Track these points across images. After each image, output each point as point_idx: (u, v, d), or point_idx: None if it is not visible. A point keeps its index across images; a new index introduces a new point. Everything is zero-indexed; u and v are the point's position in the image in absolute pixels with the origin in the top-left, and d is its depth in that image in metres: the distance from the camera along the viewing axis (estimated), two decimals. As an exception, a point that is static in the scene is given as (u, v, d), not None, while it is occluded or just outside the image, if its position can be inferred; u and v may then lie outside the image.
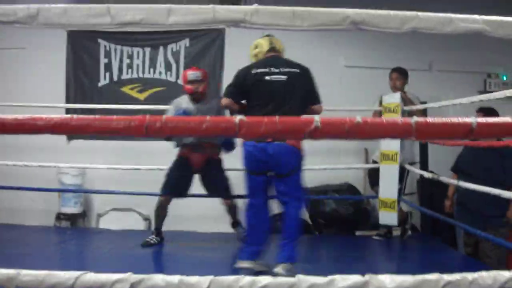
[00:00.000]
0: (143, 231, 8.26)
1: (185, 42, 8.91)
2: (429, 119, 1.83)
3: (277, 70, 5.25)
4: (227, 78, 8.69)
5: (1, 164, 7.95)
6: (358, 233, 8.23)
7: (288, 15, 1.73)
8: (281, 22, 1.74)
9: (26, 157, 7.97)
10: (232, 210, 6.90)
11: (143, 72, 9.03)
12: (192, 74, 6.63)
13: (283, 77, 5.21)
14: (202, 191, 6.94)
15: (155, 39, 8.95)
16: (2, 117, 1.85)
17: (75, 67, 9.05)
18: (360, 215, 8.41)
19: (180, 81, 8.82)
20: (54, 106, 7.97)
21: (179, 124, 1.76)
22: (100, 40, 9.05)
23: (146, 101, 8.81)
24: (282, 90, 5.18)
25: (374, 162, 7.87)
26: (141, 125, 1.77)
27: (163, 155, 8.40)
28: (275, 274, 4.66)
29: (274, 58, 5.41)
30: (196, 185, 6.88)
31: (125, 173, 8.19)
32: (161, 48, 8.99)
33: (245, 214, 5.37)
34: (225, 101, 5.35)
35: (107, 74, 9.08)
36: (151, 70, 9.02)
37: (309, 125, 1.74)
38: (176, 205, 6.88)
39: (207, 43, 8.87)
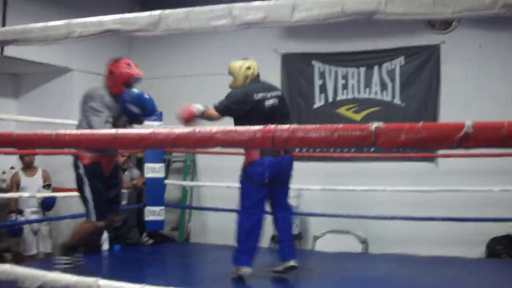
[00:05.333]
0: (359, 254, 8.05)
1: (400, 60, 8.61)
2: None
3: (269, 95, 5.69)
4: (444, 94, 8.38)
5: (217, 186, 8.17)
6: None
7: (428, 2, 1.48)
8: (420, 10, 1.49)
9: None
10: (109, 227, 6.10)
11: (358, 92, 8.86)
12: (138, 77, 5.63)
13: (276, 101, 5.70)
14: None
15: (369, 58, 8.77)
16: (128, 131, 1.77)
17: (289, 90, 9.09)
18: None
19: (396, 101, 8.59)
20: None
21: (308, 134, 1.57)
22: (314, 62, 9.03)
23: (362, 122, 8.62)
24: (275, 113, 5.64)
25: None
26: (266, 136, 1.61)
27: (377, 175, 8.24)
28: (290, 268, 5.80)
29: (264, 82, 5.84)
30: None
31: (341, 195, 8.06)
32: (376, 67, 8.76)
33: (246, 224, 5.62)
34: (215, 114, 5.61)
35: (322, 96, 9.03)
36: (367, 90, 8.83)
37: (458, 131, 1.48)
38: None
39: (422, 60, 8.50)
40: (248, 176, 5.59)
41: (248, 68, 5.76)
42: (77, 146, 2.07)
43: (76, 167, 5.43)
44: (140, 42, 9.80)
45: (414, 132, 1.51)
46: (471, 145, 1.50)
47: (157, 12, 1.77)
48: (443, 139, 1.51)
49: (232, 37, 8.94)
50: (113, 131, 1.82)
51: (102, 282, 1.88)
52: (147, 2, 9.62)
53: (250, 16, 1.65)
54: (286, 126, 1.62)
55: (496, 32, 8.07)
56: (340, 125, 1.57)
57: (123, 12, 2.41)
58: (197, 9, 1.72)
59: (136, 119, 5.32)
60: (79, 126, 5.31)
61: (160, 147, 1.88)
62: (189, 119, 5.57)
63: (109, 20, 1.92)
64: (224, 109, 5.66)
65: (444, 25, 8.36)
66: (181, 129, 1.73)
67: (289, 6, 1.60)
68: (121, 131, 1.81)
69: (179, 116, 5.60)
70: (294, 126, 1.62)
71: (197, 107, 5.59)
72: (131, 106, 5.19)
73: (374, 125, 1.54)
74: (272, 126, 1.63)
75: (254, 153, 5.54)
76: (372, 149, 7.61)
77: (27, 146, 2.58)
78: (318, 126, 1.59)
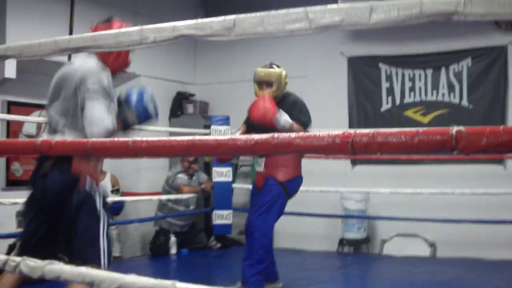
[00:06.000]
0: (427, 258, 7.95)
1: (467, 61, 8.45)
2: None
3: None
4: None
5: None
6: None
7: (508, 1, 1.44)
8: (501, 10, 1.45)
9: (310, 183, 8.07)
10: None
11: (426, 95, 8.73)
12: None
13: None
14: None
15: (436, 60, 8.63)
16: (205, 138, 1.77)
17: (356, 93, 9.04)
18: None
19: (464, 103, 8.45)
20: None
21: (388, 139, 1.54)
22: (380, 65, 8.94)
23: (429, 124, 8.50)
24: None
25: None
26: (346, 142, 1.59)
27: (445, 178, 8.12)
28: None
29: None
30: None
31: (408, 198, 7.97)
32: (443, 69, 8.61)
33: (266, 237, 5.31)
34: (298, 129, 5.18)
35: (389, 98, 8.93)
36: (434, 92, 8.69)
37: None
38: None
39: (490, 61, 8.32)
40: (287, 190, 5.44)
41: (286, 75, 5.54)
42: (153, 154, 2.07)
43: (87, 196, 3.57)
44: (205, 46, 9.87)
45: (496, 136, 1.48)
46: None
47: (232, 17, 1.77)
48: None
49: (298, 40, 8.94)
50: (190, 138, 1.81)
51: (179, 284, 1.89)
52: (210, 8, 9.71)
53: (327, 19, 1.64)
54: (366, 131, 1.59)
55: None
56: (420, 130, 1.54)
57: (187, 17, 2.43)
58: (273, 13, 1.72)
59: (143, 123, 3.99)
60: (64, 116, 3.64)
61: (239, 154, 1.86)
62: (269, 117, 5.09)
63: (183, 25, 1.93)
64: (309, 121, 5.48)
65: (511, 24, 8.19)
66: (259, 136, 1.72)
67: (367, 8, 1.58)
68: (199, 137, 1.81)
69: (263, 108, 5.15)
70: (374, 130, 1.60)
71: (284, 117, 5.17)
72: (150, 107, 3.87)
73: (454, 129, 1.51)
74: (351, 131, 1.61)
75: (296, 169, 5.48)
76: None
77: (103, 154, 2.55)
78: (398, 130, 1.57)
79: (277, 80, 5.37)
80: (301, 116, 5.35)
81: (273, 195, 5.36)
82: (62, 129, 3.58)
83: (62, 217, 3.58)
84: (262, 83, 5.39)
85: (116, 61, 3.82)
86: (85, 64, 3.65)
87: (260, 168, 5.49)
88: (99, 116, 3.43)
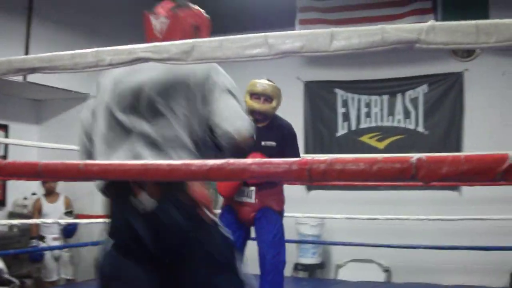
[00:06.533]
0: (382, 283, 7.96)
1: (424, 88, 8.56)
2: None
3: None
4: (468, 122, 8.32)
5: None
6: None
7: (471, 31, 1.43)
8: (463, 39, 1.44)
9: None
10: None
11: (382, 120, 8.81)
12: None
13: None
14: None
15: (392, 86, 8.72)
16: (159, 162, 1.73)
17: (312, 117, 9.08)
18: None
19: (420, 129, 8.53)
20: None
21: (347, 166, 1.52)
22: (337, 90, 9.00)
23: (385, 150, 8.56)
24: None
25: None
26: (303, 169, 1.56)
27: (401, 204, 8.16)
28: None
29: None
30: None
31: (363, 223, 7.97)
32: (399, 95, 8.71)
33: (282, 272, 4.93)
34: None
35: (345, 124, 8.98)
36: (390, 118, 8.77)
37: (502, 163, 1.42)
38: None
39: (446, 88, 8.44)
40: (283, 218, 5.09)
41: None
42: (105, 177, 1.99)
43: (215, 233, 2.58)
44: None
45: (457, 165, 1.46)
46: (516, 178, 1.44)
47: (190, 40, 1.73)
48: (486, 171, 1.45)
49: (254, 64, 8.93)
50: (143, 162, 1.76)
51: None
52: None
53: (287, 45, 1.61)
54: (323, 158, 1.56)
55: (520, 59, 8.03)
56: (379, 157, 1.51)
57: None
58: (232, 37, 1.68)
59: None
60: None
61: (191, 179, 1.78)
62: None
63: (140, 48, 1.89)
64: None
65: (467, 52, 8.31)
66: (213, 161, 1.68)
67: (328, 35, 1.55)
68: (152, 161, 1.77)
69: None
70: (332, 158, 1.56)
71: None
72: None
73: (415, 157, 1.49)
74: (309, 158, 1.58)
75: (283, 196, 5.14)
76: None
77: (54, 177, 2.43)
78: (357, 158, 1.54)
79: (278, 95, 5.01)
80: (297, 153, 5.01)
81: (279, 226, 5.01)
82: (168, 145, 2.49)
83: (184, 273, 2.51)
84: (260, 95, 4.96)
85: None
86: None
87: (250, 199, 4.99)
88: (240, 110, 2.54)
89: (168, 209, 2.39)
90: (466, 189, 8.06)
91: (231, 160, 1.64)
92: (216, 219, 2.53)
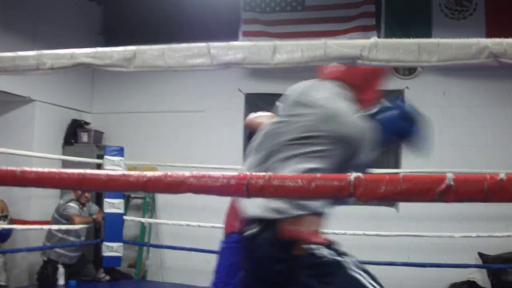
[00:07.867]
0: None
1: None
2: None
3: None
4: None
5: (175, 224, 8.12)
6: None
7: (413, 49, 1.44)
8: (405, 57, 1.45)
9: (202, 219, 8.01)
10: None
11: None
12: None
13: None
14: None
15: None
16: (97, 172, 1.69)
17: (253, 129, 9.05)
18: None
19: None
20: (231, 168, 7.90)
21: (285, 183, 1.50)
22: (278, 102, 8.98)
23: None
24: None
25: None
26: (241, 184, 1.54)
27: (337, 219, 8.17)
28: None
29: None
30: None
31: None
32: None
33: None
34: None
35: (286, 136, 8.98)
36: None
37: (440, 183, 1.43)
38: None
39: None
40: None
41: None
42: (42, 185, 1.95)
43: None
44: (103, 75, 9.67)
45: (395, 184, 1.46)
46: (452, 198, 1.45)
47: (132, 47, 1.70)
48: (424, 191, 1.46)
49: (196, 74, 8.89)
50: (81, 171, 1.72)
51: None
52: (112, 37, 9.55)
53: (229, 56, 1.59)
54: (262, 173, 1.55)
55: (460, 79, 8.15)
56: (318, 175, 1.50)
57: (89, 45, 2.34)
58: (174, 46, 1.66)
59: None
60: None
61: (130, 191, 1.77)
62: None
63: (82, 53, 1.84)
64: None
65: (409, 70, 8.41)
66: (152, 173, 1.65)
67: (270, 48, 1.54)
68: (90, 171, 1.72)
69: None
70: (270, 173, 1.55)
71: None
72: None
73: (353, 175, 1.48)
74: (247, 173, 1.56)
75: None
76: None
77: None
78: (295, 174, 1.53)
79: None
80: None
81: None
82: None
83: None
84: None
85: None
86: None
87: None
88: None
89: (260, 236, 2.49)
90: (403, 205, 8.13)
91: (169, 173, 1.61)
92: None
